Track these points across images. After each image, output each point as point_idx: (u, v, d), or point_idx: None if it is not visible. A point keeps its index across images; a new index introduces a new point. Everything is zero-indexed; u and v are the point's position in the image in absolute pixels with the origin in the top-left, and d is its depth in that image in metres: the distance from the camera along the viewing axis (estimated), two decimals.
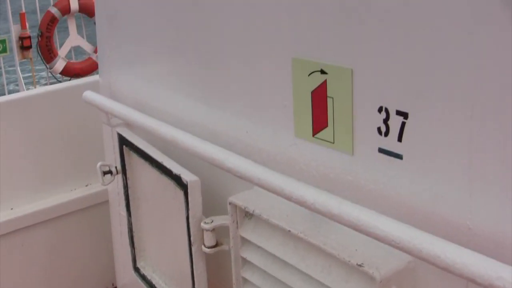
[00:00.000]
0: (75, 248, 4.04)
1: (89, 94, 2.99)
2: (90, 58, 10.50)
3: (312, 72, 1.90)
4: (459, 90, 1.51)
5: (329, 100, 1.87)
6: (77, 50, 10.60)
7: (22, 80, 9.69)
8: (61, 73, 10.28)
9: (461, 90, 1.51)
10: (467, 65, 1.48)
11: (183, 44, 2.55)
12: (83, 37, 10.41)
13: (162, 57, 2.73)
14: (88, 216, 4.02)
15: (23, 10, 9.66)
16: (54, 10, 9.94)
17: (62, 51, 10.34)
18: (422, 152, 1.64)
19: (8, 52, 9.64)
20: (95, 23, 3.26)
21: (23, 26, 9.71)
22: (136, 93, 2.95)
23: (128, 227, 2.91)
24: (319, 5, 1.85)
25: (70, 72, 10.21)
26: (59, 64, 10.22)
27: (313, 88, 1.92)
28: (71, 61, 10.46)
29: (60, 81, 9.62)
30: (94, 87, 3.19)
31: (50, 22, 9.96)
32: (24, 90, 9.27)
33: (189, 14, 2.45)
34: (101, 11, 3.14)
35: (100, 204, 3.90)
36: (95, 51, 9.32)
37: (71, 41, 10.36)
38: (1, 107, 3.65)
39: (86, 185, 4.03)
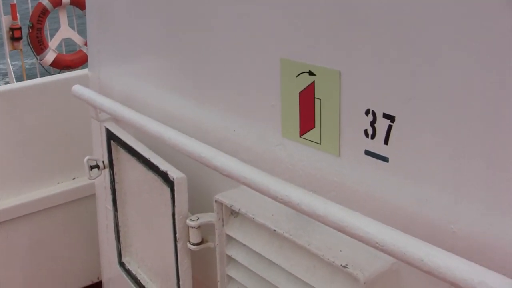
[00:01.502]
0: (61, 241, 4.04)
1: (77, 88, 2.98)
2: (80, 51, 10.47)
3: (300, 73, 1.90)
4: (446, 95, 1.52)
5: (316, 102, 1.87)
6: (67, 42, 10.58)
7: (12, 71, 9.66)
8: (51, 65, 10.25)
9: (449, 95, 1.51)
10: (455, 69, 1.48)
11: (172, 41, 2.55)
12: (74, 29, 10.38)
13: (152, 52, 2.72)
14: (75, 209, 4.03)
15: (14, 1, 9.62)
16: (45, 2, 9.91)
17: (53, 43, 10.30)
18: (408, 155, 1.64)
19: None
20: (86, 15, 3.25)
21: (13, 17, 9.67)
22: (125, 88, 2.95)
23: (114, 222, 2.90)
24: (309, 6, 1.85)
25: (60, 64, 10.18)
26: (49, 56, 10.19)
27: (301, 89, 1.92)
28: (62, 53, 10.43)
29: (50, 73, 9.60)
30: (84, 81, 3.18)
31: (41, 14, 9.93)
32: (14, 81, 9.23)
33: (180, 10, 2.44)
34: (92, 4, 3.13)
35: (87, 197, 3.90)
36: (86, 44, 9.30)
37: (61, 33, 10.33)
38: None
39: (74, 178, 4.03)
